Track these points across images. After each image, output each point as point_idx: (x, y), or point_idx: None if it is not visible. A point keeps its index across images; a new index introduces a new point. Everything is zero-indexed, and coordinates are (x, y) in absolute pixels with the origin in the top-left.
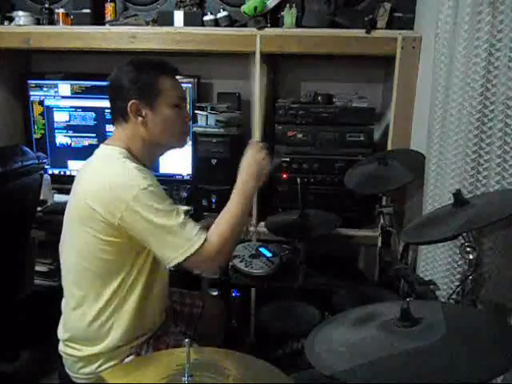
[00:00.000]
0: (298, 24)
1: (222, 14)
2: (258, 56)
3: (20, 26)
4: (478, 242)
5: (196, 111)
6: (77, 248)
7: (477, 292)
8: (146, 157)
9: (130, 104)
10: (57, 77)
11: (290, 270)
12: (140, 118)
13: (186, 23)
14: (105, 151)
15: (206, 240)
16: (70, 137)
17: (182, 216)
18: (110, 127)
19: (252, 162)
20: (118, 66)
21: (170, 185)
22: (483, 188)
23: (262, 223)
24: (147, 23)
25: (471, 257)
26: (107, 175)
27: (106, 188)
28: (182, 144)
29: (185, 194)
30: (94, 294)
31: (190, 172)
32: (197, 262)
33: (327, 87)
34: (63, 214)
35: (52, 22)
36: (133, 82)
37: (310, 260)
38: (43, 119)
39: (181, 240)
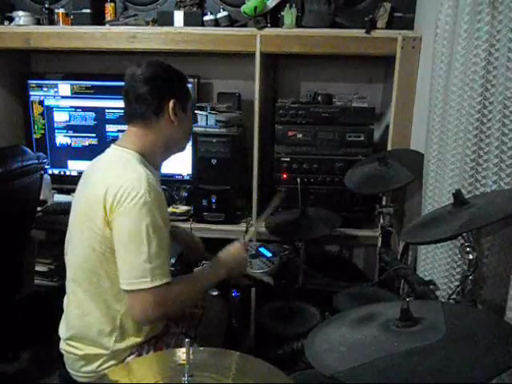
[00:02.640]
0: (298, 24)
1: (222, 13)
2: (258, 56)
3: (20, 25)
4: (477, 242)
5: (196, 111)
6: (82, 248)
7: (477, 292)
8: (158, 158)
9: (172, 102)
10: (57, 77)
11: (290, 270)
12: (176, 118)
13: (186, 23)
14: (120, 154)
15: (164, 285)
16: (70, 137)
17: (163, 249)
18: (110, 127)
19: (233, 260)
20: (146, 63)
21: (170, 185)
22: (482, 188)
23: (262, 223)
24: (147, 23)
25: (471, 257)
26: (122, 179)
27: (117, 190)
28: (185, 149)
29: (185, 194)
30: (96, 296)
31: (190, 172)
32: (140, 301)
33: (327, 87)
34: (63, 213)
35: (52, 22)
36: (174, 82)
37: (310, 260)
38: (43, 119)
39: (142, 270)
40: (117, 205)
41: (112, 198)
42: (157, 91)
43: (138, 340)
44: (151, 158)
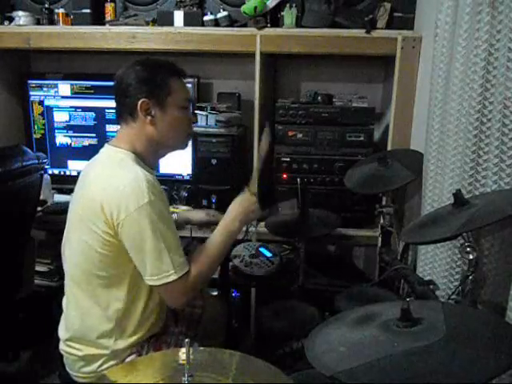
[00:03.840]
0: (298, 24)
1: (222, 14)
2: (258, 56)
3: (20, 26)
4: (477, 242)
5: (196, 111)
6: (80, 249)
7: (477, 292)
8: (150, 157)
9: (140, 102)
10: (57, 77)
11: (290, 270)
12: (149, 117)
13: (186, 23)
14: (114, 153)
15: (188, 272)
16: (70, 137)
17: (176, 240)
18: (110, 127)
19: (241, 210)
20: (126, 65)
21: (170, 185)
22: (482, 188)
23: (262, 223)
24: (147, 23)
25: (471, 257)
26: (120, 180)
27: (117, 193)
28: (185, 146)
29: (185, 194)
30: (95, 296)
31: (190, 172)
32: (170, 292)
33: (327, 87)
34: (63, 213)
35: (52, 22)
36: (144, 81)
37: (310, 260)
38: (43, 119)
39: (165, 265)
40: (120, 210)
41: (114, 201)
42: (125, 93)
43: (138, 339)
44: (144, 157)
